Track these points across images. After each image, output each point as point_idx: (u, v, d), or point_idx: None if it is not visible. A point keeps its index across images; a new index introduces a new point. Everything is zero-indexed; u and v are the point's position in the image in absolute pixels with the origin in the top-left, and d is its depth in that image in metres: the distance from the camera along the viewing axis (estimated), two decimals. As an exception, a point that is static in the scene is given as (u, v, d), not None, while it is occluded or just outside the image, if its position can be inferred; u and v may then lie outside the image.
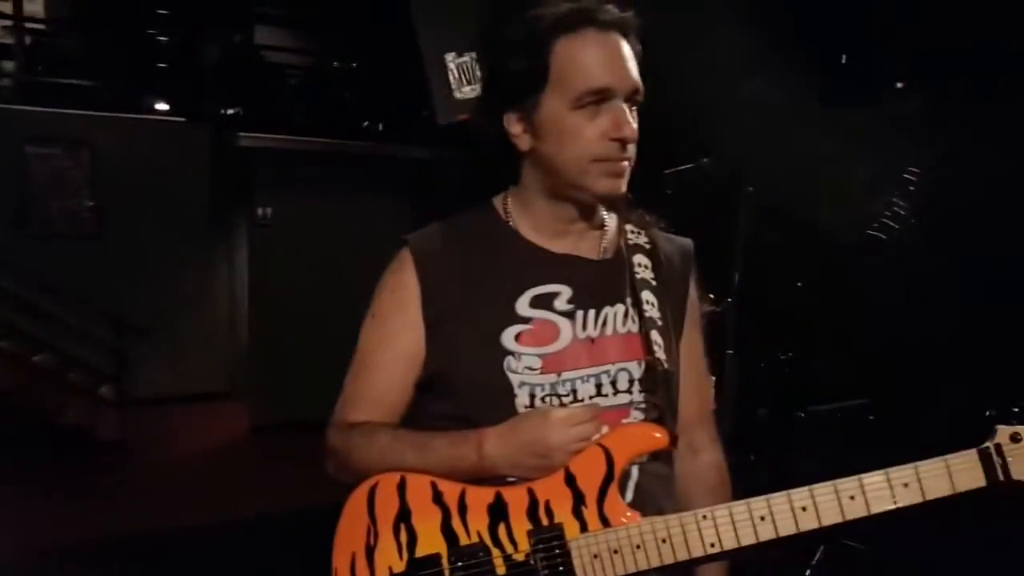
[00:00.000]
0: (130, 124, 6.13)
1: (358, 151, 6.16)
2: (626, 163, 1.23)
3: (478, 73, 4.33)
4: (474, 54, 4.33)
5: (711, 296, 4.28)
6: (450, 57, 4.30)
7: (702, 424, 1.43)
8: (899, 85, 4.99)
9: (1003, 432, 1.11)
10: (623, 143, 1.20)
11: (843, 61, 5.16)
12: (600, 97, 1.19)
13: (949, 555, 3.60)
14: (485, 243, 1.31)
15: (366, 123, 6.50)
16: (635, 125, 1.23)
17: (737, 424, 4.51)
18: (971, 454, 1.11)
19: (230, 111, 6.34)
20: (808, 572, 3.52)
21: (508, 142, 1.28)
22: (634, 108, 1.24)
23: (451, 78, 4.31)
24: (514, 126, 1.25)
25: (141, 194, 6.06)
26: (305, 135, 6.08)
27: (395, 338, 1.29)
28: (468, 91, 4.35)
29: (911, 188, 4.82)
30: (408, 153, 6.04)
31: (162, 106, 6.38)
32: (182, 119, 6.35)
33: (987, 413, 1.15)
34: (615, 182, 1.24)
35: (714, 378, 4.34)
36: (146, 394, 5.93)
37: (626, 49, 1.22)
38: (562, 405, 1.24)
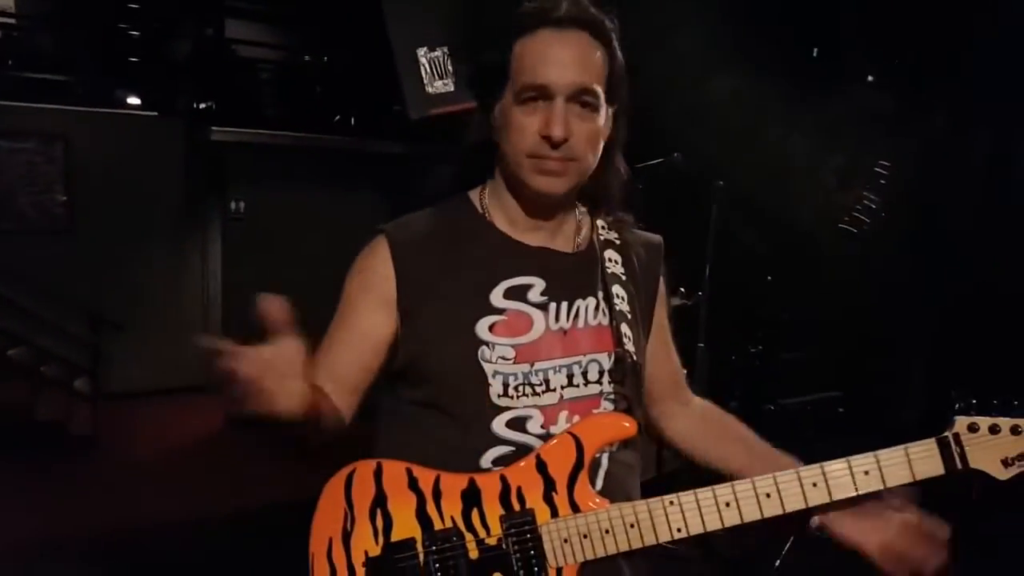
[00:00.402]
0: (103, 119, 6.07)
1: (330, 145, 6.14)
2: (560, 163, 1.24)
3: (450, 67, 4.35)
4: (446, 48, 4.34)
5: (682, 290, 4.35)
6: (422, 52, 4.30)
7: (681, 387, 1.52)
8: (870, 79, 5.06)
9: (961, 423, 1.14)
10: (551, 142, 1.21)
11: (815, 55, 5.23)
12: (539, 94, 1.21)
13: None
14: (461, 234, 1.33)
15: (338, 117, 6.47)
16: (582, 126, 1.23)
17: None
18: (930, 443, 1.14)
19: (202, 105, 6.29)
20: (778, 563, 3.59)
21: (488, 134, 1.32)
22: (587, 107, 1.23)
23: (423, 73, 4.32)
24: (492, 119, 1.30)
25: (114, 189, 6.01)
26: (277, 129, 6.05)
27: (359, 317, 1.30)
28: (440, 86, 4.37)
29: (882, 182, 4.91)
30: (381, 148, 6.04)
31: (134, 100, 6.31)
32: (154, 113, 6.30)
33: (956, 406, 1.19)
34: (548, 180, 1.25)
35: (685, 371, 4.40)
36: (120, 389, 5.89)
37: (581, 47, 1.23)
38: (535, 395, 1.26)
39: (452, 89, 4.33)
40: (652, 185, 3.85)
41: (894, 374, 4.79)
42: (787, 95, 4.79)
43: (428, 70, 4.32)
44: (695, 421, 1.49)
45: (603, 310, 1.33)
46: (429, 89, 4.35)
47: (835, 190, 5.00)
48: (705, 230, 3.82)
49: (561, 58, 1.21)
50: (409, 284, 1.28)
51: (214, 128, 5.75)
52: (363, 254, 1.33)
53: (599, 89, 1.24)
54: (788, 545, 3.60)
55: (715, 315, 3.85)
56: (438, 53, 4.33)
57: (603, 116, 1.27)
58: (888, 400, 4.74)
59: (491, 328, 1.26)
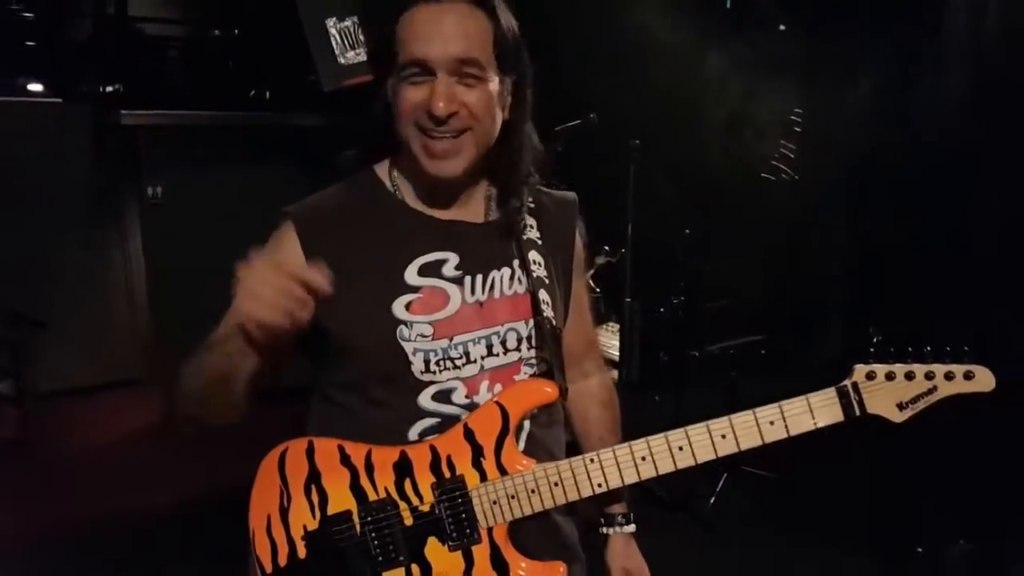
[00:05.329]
0: (3, 108, 5.79)
1: (247, 122, 5.99)
2: (450, 142, 1.23)
3: (361, 37, 4.29)
4: (355, 18, 4.29)
5: (607, 248, 4.43)
6: (331, 23, 4.24)
7: (589, 354, 1.56)
8: (782, 28, 5.16)
9: (859, 371, 1.20)
10: (432, 116, 1.21)
11: (728, 6, 5.31)
12: (420, 70, 1.21)
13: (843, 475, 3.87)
14: (370, 213, 1.33)
15: (252, 92, 6.31)
16: (469, 94, 1.22)
17: (641, 368, 4.73)
18: (830, 392, 1.21)
19: (109, 88, 6.05)
20: (712, 500, 3.76)
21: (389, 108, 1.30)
22: (472, 78, 1.22)
23: (334, 44, 4.27)
24: (390, 93, 1.28)
25: (21, 180, 5.74)
26: (191, 108, 5.87)
27: None
28: (352, 56, 4.32)
29: (797, 129, 5.04)
30: (298, 120, 5.93)
31: (36, 87, 6.03)
32: (58, 100, 6.04)
33: (875, 339, 1.26)
34: (441, 164, 1.25)
35: (618, 326, 4.51)
36: (48, 388, 5.72)
37: (459, 19, 1.21)
38: (456, 368, 1.29)
39: (365, 59, 4.29)
40: (571, 147, 3.91)
41: (812, 317, 4.98)
42: (701, 47, 4.87)
43: (339, 40, 4.27)
44: (585, 392, 1.53)
45: (519, 278, 1.35)
46: (341, 60, 4.30)
47: (752, 141, 5.12)
48: (625, 188, 3.89)
49: (440, 32, 1.20)
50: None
51: (124, 112, 5.54)
52: (271, 240, 1.32)
53: (482, 59, 1.23)
54: (721, 484, 3.78)
55: (639, 270, 3.94)
56: (348, 23, 4.27)
57: (494, 84, 1.25)
58: (807, 341, 4.94)
59: (408, 307, 1.28)
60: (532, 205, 1.41)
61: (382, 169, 1.37)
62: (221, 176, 5.85)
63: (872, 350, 1.21)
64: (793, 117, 5.06)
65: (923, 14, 4.26)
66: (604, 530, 1.50)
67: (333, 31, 4.15)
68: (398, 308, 1.28)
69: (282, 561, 1.27)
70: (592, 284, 4.80)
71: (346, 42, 4.19)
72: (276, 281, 1.09)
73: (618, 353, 4.37)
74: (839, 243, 4.92)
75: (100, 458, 4.86)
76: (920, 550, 3.26)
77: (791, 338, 4.89)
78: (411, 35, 1.21)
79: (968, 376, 1.19)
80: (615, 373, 4.58)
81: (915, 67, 4.37)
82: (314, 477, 1.27)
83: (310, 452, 1.28)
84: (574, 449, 1.46)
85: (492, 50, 1.24)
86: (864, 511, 3.59)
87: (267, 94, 6.28)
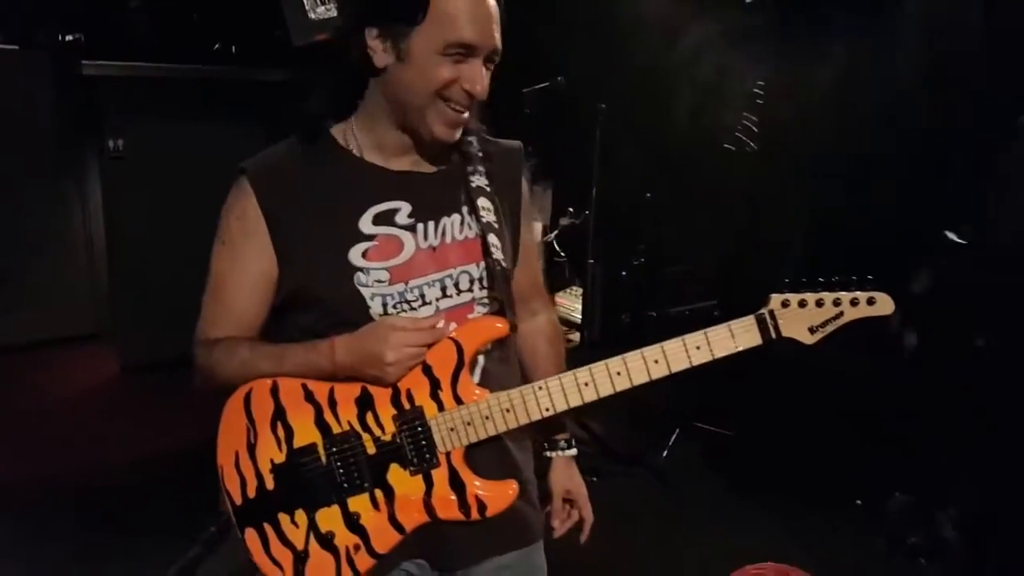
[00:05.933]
0: (-44, 55, 5.64)
1: (212, 75, 5.90)
2: (465, 115, 1.33)
3: (332, -9, 4.26)
4: (327, -27, 4.25)
5: (571, 209, 4.50)
6: (302, -23, 4.21)
7: (536, 293, 1.64)
8: (747, 0, 5.20)
9: (776, 300, 1.31)
10: (470, 96, 1.29)
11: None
12: (465, 51, 1.26)
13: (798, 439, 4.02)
14: (324, 166, 1.37)
15: (217, 45, 6.21)
16: (485, 81, 1.31)
17: (603, 328, 4.83)
18: (749, 319, 1.31)
19: (69, 37, 5.91)
20: (665, 453, 3.89)
21: (364, 55, 1.30)
22: (490, 67, 1.32)
23: (304, -1, 4.24)
24: (374, 40, 1.28)
25: (-24, 131, 5.63)
26: (154, 61, 5.77)
27: (247, 263, 1.36)
28: (323, 11, 4.29)
29: (759, 102, 5.11)
30: (264, 76, 5.86)
31: (-11, 34, 5.86)
32: (15, 47, 5.89)
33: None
34: (448, 131, 1.34)
35: (581, 290, 4.59)
36: (5, 342, 5.66)
37: (494, 9, 1.29)
38: (412, 310, 1.36)
39: (335, 14, 4.27)
40: (539, 109, 3.95)
41: (766, 283, 5.08)
42: (667, 16, 4.90)
43: (309, -5, 4.24)
44: (533, 330, 1.61)
45: (469, 223, 1.42)
46: (311, 15, 4.28)
47: (715, 110, 5.18)
48: (590, 152, 3.94)
49: (488, 23, 1.27)
50: (279, 223, 1.34)
51: (84, 62, 5.40)
52: (231, 196, 1.37)
53: (500, 51, 1.31)
54: (673, 438, 3.92)
55: (603, 233, 4.01)
56: (319, -23, 4.24)
57: None
58: (760, 306, 5.03)
59: (364, 254, 1.34)
60: (480, 154, 1.48)
61: (337, 129, 1.41)
62: (184, 130, 5.77)
63: (787, 281, 1.31)
64: (756, 89, 5.12)
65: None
66: (547, 454, 1.61)
67: (302, -15, 4.12)
68: (355, 255, 1.34)
69: (251, 493, 1.34)
70: (557, 247, 4.89)
71: (315, -4, 4.16)
72: (420, 352, 1.30)
73: (580, 315, 4.46)
74: (796, 214, 5.02)
75: (57, 413, 4.84)
76: (859, 502, 3.44)
77: (745, 303, 5.00)
78: (462, 18, 1.24)
79: (871, 302, 1.29)
80: (576, 335, 4.69)
81: (877, 43, 4.44)
82: (279, 414, 1.34)
83: (275, 391, 1.34)
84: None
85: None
86: (807, 466, 3.73)
87: (232, 48, 6.19)
